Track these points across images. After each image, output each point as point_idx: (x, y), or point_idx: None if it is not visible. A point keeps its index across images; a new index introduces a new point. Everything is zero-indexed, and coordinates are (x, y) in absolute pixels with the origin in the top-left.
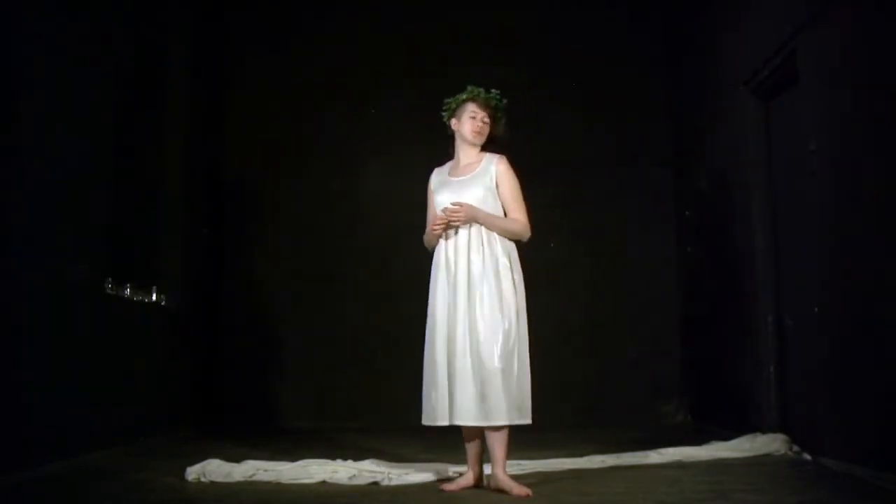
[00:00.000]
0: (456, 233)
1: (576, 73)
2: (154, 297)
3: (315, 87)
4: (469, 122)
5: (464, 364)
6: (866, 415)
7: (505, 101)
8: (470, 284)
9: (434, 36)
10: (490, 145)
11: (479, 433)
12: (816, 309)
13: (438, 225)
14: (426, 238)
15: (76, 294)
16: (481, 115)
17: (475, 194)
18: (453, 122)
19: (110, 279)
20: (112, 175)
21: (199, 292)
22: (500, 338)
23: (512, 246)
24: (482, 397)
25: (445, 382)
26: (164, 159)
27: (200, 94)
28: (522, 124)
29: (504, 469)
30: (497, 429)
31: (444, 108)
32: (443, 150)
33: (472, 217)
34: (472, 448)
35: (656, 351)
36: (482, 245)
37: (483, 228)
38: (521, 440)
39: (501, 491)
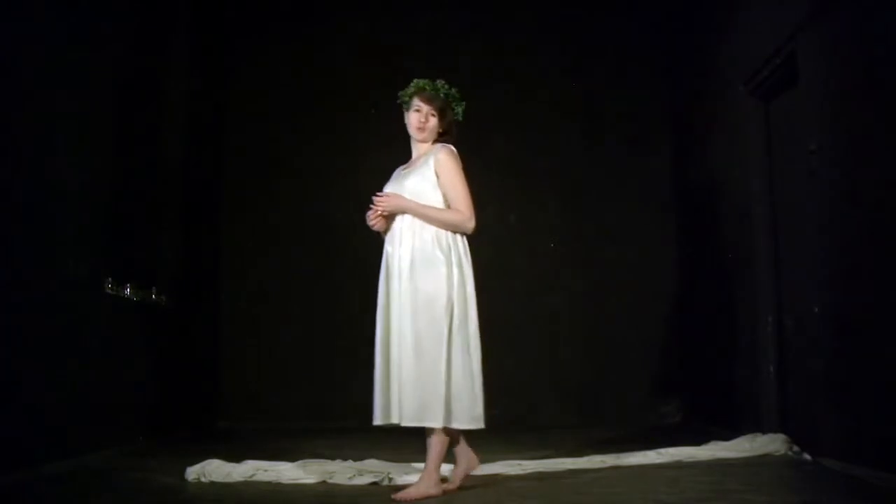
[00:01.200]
0: (389, 225)
1: (575, 74)
2: (154, 297)
3: (315, 87)
4: (413, 116)
5: (397, 360)
6: (866, 415)
7: (454, 89)
8: (400, 277)
9: (433, 36)
10: (447, 137)
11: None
12: (816, 309)
13: (369, 215)
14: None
15: (76, 294)
16: (426, 109)
17: (411, 184)
18: (405, 115)
19: (110, 279)
20: (112, 175)
21: (199, 292)
22: (412, 334)
23: (453, 238)
24: (400, 396)
25: (381, 381)
26: (163, 159)
27: (200, 94)
28: (523, 124)
29: (427, 475)
30: (428, 432)
31: (398, 100)
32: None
33: (398, 207)
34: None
35: (656, 351)
36: (413, 236)
37: (416, 220)
38: (521, 440)
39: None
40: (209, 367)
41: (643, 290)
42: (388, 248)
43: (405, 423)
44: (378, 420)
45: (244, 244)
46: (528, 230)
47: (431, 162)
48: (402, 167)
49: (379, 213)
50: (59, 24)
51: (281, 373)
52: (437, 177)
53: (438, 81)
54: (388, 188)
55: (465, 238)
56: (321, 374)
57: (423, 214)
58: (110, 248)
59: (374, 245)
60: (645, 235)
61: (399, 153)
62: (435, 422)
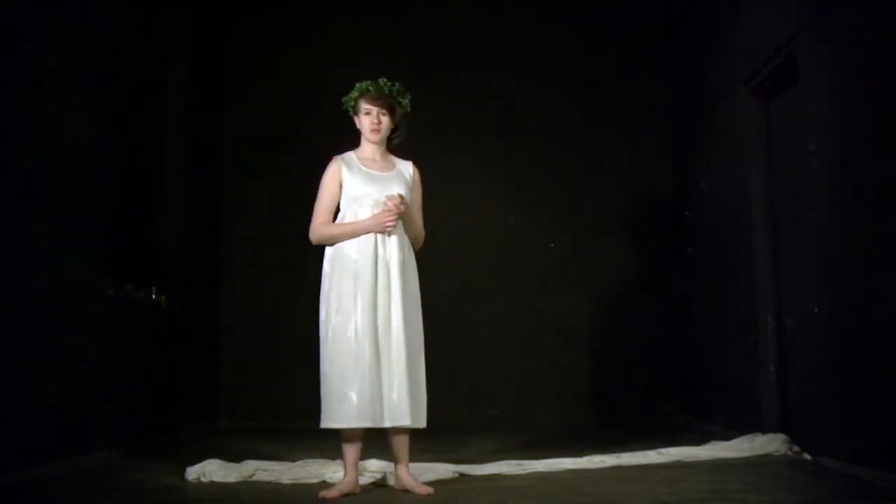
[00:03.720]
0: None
1: (576, 73)
2: (154, 297)
3: (315, 88)
4: (365, 120)
5: (398, 363)
6: (866, 415)
7: (397, 84)
8: (401, 284)
9: (433, 37)
10: (398, 131)
11: (363, 436)
12: (816, 309)
13: (391, 217)
14: (329, 231)
15: (76, 294)
16: (376, 110)
17: (402, 192)
18: (356, 120)
19: (110, 279)
20: (112, 175)
21: (199, 292)
22: (414, 339)
23: None
24: (398, 398)
25: (376, 382)
26: (163, 159)
27: (200, 94)
28: (523, 124)
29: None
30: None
31: (343, 106)
32: (440, 147)
33: (405, 213)
34: (357, 450)
35: (656, 351)
36: (400, 238)
37: (399, 224)
38: (521, 440)
39: (406, 491)
40: (209, 367)
41: (643, 290)
42: (379, 250)
43: (401, 424)
44: (365, 422)
45: (244, 244)
46: (528, 230)
47: (408, 177)
48: (356, 163)
49: (395, 215)
50: (59, 23)
51: (281, 373)
52: (410, 192)
53: (381, 80)
54: (372, 188)
55: None
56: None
57: (414, 222)
58: (110, 248)
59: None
60: (645, 235)
61: (400, 151)
62: (423, 423)
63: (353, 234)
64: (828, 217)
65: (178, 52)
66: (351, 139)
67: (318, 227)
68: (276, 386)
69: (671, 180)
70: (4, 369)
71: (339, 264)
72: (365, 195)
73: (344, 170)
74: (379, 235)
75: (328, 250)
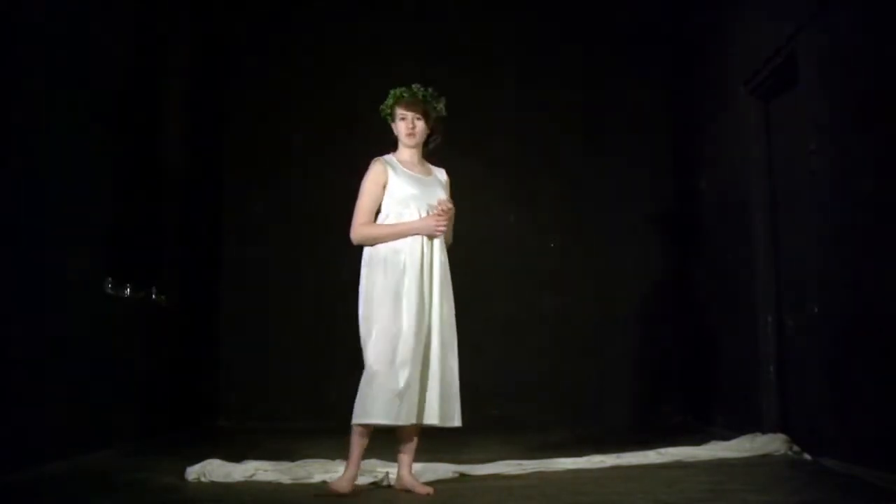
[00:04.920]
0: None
1: (576, 74)
2: (154, 297)
3: (314, 87)
4: (401, 126)
5: (439, 363)
6: (866, 415)
7: (430, 89)
8: (441, 285)
9: (433, 39)
10: (433, 136)
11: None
12: (816, 309)
13: (443, 221)
14: (375, 231)
15: (76, 294)
16: (410, 115)
17: (443, 197)
18: (393, 126)
19: (110, 279)
20: (112, 174)
21: (199, 292)
22: (452, 340)
23: None
24: (445, 398)
25: (421, 381)
26: (164, 159)
27: (200, 93)
28: (523, 125)
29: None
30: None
31: (381, 115)
32: (442, 150)
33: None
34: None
35: (656, 351)
36: (442, 244)
37: None
38: (521, 440)
39: (407, 491)
40: (209, 367)
41: (643, 290)
42: (425, 252)
43: (439, 424)
44: (410, 420)
45: (244, 244)
46: (528, 231)
47: (443, 182)
48: (399, 165)
49: (446, 219)
50: (58, 23)
51: (281, 373)
52: None
53: (414, 86)
54: (419, 190)
55: None
56: (321, 374)
57: (451, 227)
58: (110, 248)
59: None
60: (645, 235)
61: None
62: (460, 422)
63: (400, 236)
64: (828, 217)
65: (178, 52)
66: (355, 138)
67: (362, 227)
68: (276, 386)
69: (671, 180)
70: (4, 369)
71: (383, 264)
72: (411, 197)
73: (389, 171)
74: (424, 238)
75: (369, 250)
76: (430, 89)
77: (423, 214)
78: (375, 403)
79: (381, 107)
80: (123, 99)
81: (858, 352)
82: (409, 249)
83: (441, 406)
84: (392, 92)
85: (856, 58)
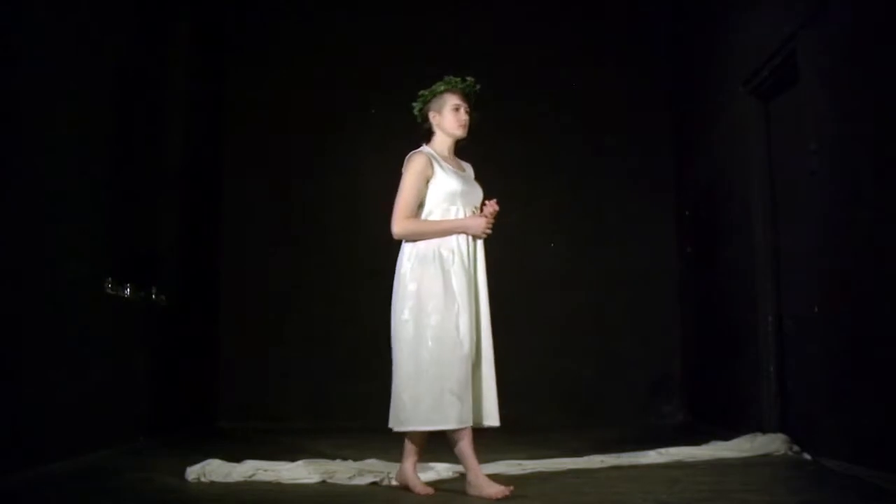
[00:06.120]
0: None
1: (576, 74)
2: (154, 297)
3: (314, 87)
4: (453, 115)
5: (488, 364)
6: (866, 415)
7: (478, 86)
8: (477, 280)
9: (433, 38)
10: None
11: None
12: (816, 309)
13: (488, 223)
14: (421, 227)
15: (76, 294)
16: (464, 106)
17: (480, 194)
18: (432, 115)
19: (110, 279)
20: (112, 175)
21: (199, 292)
22: (491, 340)
23: None
24: (489, 399)
25: (478, 385)
26: (163, 159)
27: (200, 93)
28: (523, 124)
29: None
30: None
31: (417, 101)
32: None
33: None
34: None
35: (656, 351)
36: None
37: None
38: (521, 440)
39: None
40: (209, 367)
41: (643, 290)
42: (470, 251)
43: (493, 425)
44: (467, 422)
45: (244, 244)
46: (528, 230)
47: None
48: (440, 160)
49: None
50: (58, 22)
51: (281, 373)
52: None
53: (469, 78)
54: (463, 188)
55: None
56: (321, 374)
57: None
58: (110, 248)
59: (374, 245)
60: (645, 235)
61: (399, 152)
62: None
63: (448, 233)
64: (828, 217)
65: (179, 51)
66: (354, 138)
67: (407, 221)
68: (276, 386)
69: (671, 180)
70: (4, 369)
71: (428, 263)
72: (457, 194)
73: (435, 165)
74: (469, 237)
75: (412, 247)
76: (478, 86)
77: (467, 212)
78: (427, 409)
79: (424, 92)
80: (123, 99)
81: (858, 352)
82: (455, 248)
83: (494, 407)
84: (446, 78)
85: (856, 58)
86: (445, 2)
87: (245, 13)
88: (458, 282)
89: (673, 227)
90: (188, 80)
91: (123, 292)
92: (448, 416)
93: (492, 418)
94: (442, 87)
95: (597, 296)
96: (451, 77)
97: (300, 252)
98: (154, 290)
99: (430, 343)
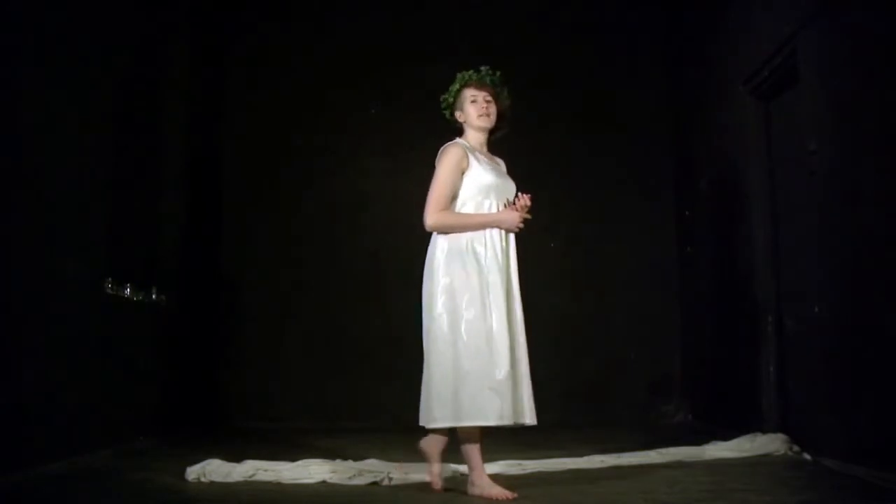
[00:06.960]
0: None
1: (575, 74)
2: (154, 297)
3: (315, 87)
4: (472, 108)
5: (523, 364)
6: (866, 415)
7: (498, 72)
8: (511, 277)
9: (434, 38)
10: (501, 122)
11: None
12: (816, 309)
13: (521, 216)
14: (455, 220)
15: (76, 294)
16: (481, 95)
17: (513, 188)
18: (458, 114)
19: (110, 279)
20: (112, 175)
21: (199, 292)
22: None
23: None
24: (526, 397)
25: (515, 381)
26: (163, 159)
27: (200, 93)
28: (523, 124)
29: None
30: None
31: (441, 105)
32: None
33: None
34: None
35: (656, 351)
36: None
37: None
38: (521, 440)
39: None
40: (210, 367)
41: (644, 290)
42: (504, 247)
43: (530, 423)
44: (507, 419)
45: (244, 244)
46: (528, 229)
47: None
48: (478, 152)
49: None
50: (58, 23)
51: (282, 372)
52: None
53: (483, 68)
54: (497, 182)
55: None
56: (322, 374)
57: None
58: (110, 248)
59: (374, 245)
60: (645, 235)
61: (399, 152)
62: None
63: (482, 227)
64: (828, 217)
65: (179, 52)
66: (355, 138)
67: (442, 214)
68: (276, 386)
69: (671, 180)
70: (4, 369)
71: (462, 257)
72: (491, 187)
73: (471, 157)
74: (501, 231)
75: (445, 241)
76: (498, 73)
77: (500, 206)
78: (465, 404)
79: (444, 95)
80: (123, 98)
81: (858, 352)
82: (489, 242)
83: (532, 405)
84: (459, 75)
85: (856, 58)
86: (445, 2)
87: (245, 14)
88: (494, 278)
89: (673, 227)
90: (188, 80)
91: (123, 292)
92: (486, 413)
93: (529, 417)
94: (457, 85)
95: (596, 296)
96: (464, 72)
97: (300, 252)
98: (154, 290)
99: (465, 337)
